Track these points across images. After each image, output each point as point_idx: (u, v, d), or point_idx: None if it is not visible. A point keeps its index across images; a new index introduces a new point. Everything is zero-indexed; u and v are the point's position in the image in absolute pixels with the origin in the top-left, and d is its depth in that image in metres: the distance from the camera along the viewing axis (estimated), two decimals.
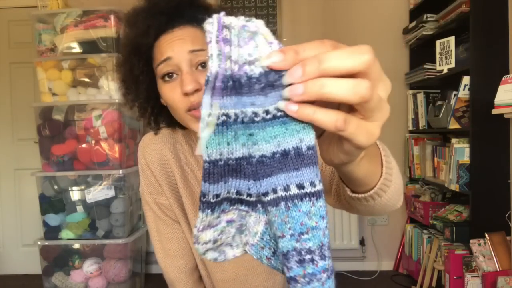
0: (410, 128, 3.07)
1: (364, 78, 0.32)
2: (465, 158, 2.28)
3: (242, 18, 0.33)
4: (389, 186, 0.52)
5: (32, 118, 2.85)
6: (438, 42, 2.48)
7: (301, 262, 0.34)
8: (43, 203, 2.73)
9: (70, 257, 2.73)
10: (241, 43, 0.33)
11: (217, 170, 0.35)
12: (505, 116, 1.94)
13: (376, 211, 0.57)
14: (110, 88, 2.62)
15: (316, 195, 0.34)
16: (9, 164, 3.39)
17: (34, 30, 2.74)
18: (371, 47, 0.32)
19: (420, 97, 2.93)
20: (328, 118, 0.32)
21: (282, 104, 0.33)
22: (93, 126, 2.62)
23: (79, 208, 2.70)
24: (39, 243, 2.72)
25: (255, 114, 0.33)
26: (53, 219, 2.72)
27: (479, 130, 2.22)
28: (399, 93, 3.11)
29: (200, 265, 0.98)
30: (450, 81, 2.53)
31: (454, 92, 2.39)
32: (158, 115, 0.89)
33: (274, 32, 3.17)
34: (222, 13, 0.32)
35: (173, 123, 0.90)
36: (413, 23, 2.86)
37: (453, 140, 2.37)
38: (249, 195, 0.38)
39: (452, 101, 2.41)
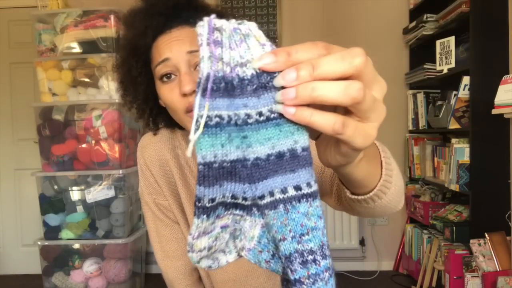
0: (410, 128, 3.07)
1: (357, 80, 0.32)
2: (465, 158, 2.28)
3: (233, 21, 0.33)
4: (389, 188, 0.51)
5: (32, 118, 2.85)
6: (438, 42, 2.48)
7: (304, 263, 0.34)
8: (43, 203, 2.73)
9: (70, 257, 2.73)
10: (233, 45, 0.33)
11: (212, 173, 0.35)
12: (505, 116, 1.94)
13: (377, 213, 0.57)
14: (110, 88, 2.62)
15: (312, 195, 0.34)
16: (9, 164, 3.40)
17: (34, 30, 2.74)
18: (363, 49, 0.32)
19: (420, 97, 2.93)
20: (326, 121, 0.32)
21: (279, 107, 0.33)
22: (93, 126, 2.62)
23: (79, 208, 2.70)
24: (39, 243, 2.72)
25: (248, 116, 0.33)
26: (53, 219, 2.72)
27: (479, 130, 2.22)
28: (399, 93, 3.11)
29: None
30: (450, 81, 2.53)
31: (454, 92, 2.39)
32: (157, 116, 0.89)
33: (273, 32, 3.18)
34: (213, 16, 0.33)
35: (172, 124, 0.90)
36: (413, 23, 2.86)
37: (453, 140, 2.37)
38: (245, 198, 0.38)
39: (452, 101, 2.41)
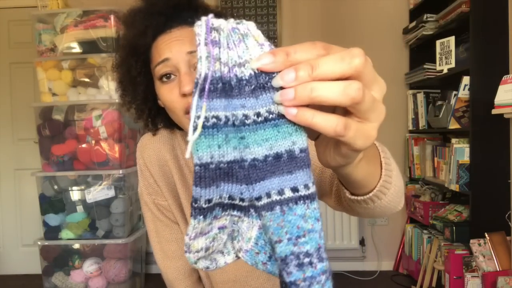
0: (410, 128, 3.06)
1: (356, 80, 0.32)
2: (465, 158, 2.28)
3: (232, 20, 0.33)
4: (389, 188, 0.51)
5: (32, 118, 2.85)
6: (438, 42, 2.48)
7: (300, 266, 0.33)
8: (43, 203, 2.73)
9: (70, 257, 2.73)
10: (231, 45, 0.32)
11: (208, 174, 0.34)
12: (505, 116, 1.94)
13: (376, 213, 0.56)
14: (110, 88, 2.62)
15: (310, 197, 0.34)
16: (9, 164, 3.40)
17: (34, 30, 2.74)
18: (362, 50, 0.32)
19: (420, 97, 2.93)
20: (328, 123, 0.32)
21: (281, 108, 0.32)
22: (93, 126, 2.62)
23: (79, 208, 2.70)
24: (39, 243, 2.72)
25: (246, 116, 0.33)
26: (53, 219, 2.72)
27: (479, 130, 2.22)
28: (399, 93, 3.11)
29: None
30: (450, 81, 2.53)
31: (454, 92, 2.39)
32: (156, 117, 0.89)
33: (273, 32, 3.18)
34: (211, 15, 0.32)
35: (171, 125, 0.89)
36: (413, 23, 2.86)
37: (453, 140, 2.37)
38: (242, 199, 0.37)
39: (452, 101, 2.41)
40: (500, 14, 2.22)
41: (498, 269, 2.06)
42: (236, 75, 0.32)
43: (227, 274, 0.94)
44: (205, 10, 0.83)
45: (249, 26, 0.33)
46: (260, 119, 0.33)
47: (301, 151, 0.33)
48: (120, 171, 2.61)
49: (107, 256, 2.71)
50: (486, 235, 2.11)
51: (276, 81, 0.32)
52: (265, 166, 0.34)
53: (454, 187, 2.33)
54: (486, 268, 2.09)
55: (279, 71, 0.32)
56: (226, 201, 0.37)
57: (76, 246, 2.72)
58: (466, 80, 2.26)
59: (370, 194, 0.51)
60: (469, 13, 2.24)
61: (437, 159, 2.71)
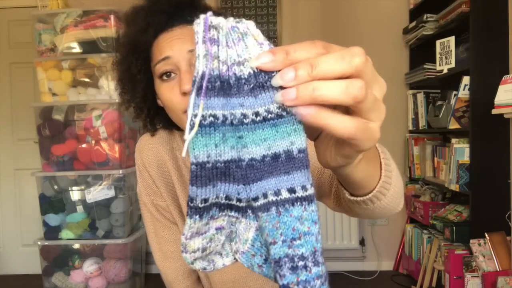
0: (410, 128, 3.06)
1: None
2: (465, 158, 2.28)
3: (231, 19, 0.32)
4: (389, 189, 0.51)
5: (32, 118, 2.85)
6: (438, 42, 2.48)
7: (294, 269, 0.33)
8: (43, 203, 2.73)
9: (70, 257, 2.73)
10: (230, 43, 0.32)
11: (204, 173, 0.34)
12: (505, 116, 1.94)
13: (376, 214, 0.56)
14: (110, 88, 2.62)
15: (307, 199, 0.33)
16: (9, 164, 3.40)
17: (34, 30, 2.74)
18: (362, 49, 0.31)
19: (420, 97, 2.93)
20: (342, 124, 0.31)
21: (297, 108, 0.32)
22: (93, 126, 2.62)
23: (79, 208, 2.70)
24: (39, 243, 2.72)
25: (244, 116, 0.32)
26: (53, 219, 2.72)
27: (479, 130, 2.22)
28: (399, 93, 3.11)
29: None
30: (450, 81, 2.53)
31: (454, 92, 2.39)
32: (155, 117, 0.88)
33: (273, 32, 3.18)
34: (209, 13, 0.32)
35: (170, 125, 0.89)
36: (413, 23, 2.86)
37: (453, 140, 2.37)
38: (239, 200, 0.37)
39: (452, 101, 2.41)
40: (500, 14, 2.22)
41: (498, 269, 2.06)
42: (235, 74, 0.32)
43: (226, 275, 0.94)
44: (207, 10, 0.83)
45: (248, 25, 0.32)
46: (258, 118, 0.32)
47: (300, 151, 0.33)
48: (120, 171, 2.61)
49: (107, 256, 2.71)
50: (486, 235, 2.11)
51: (276, 80, 0.31)
52: (263, 166, 0.33)
53: (454, 187, 2.33)
54: (486, 268, 2.09)
55: (279, 70, 0.32)
56: (223, 201, 0.37)
57: (76, 246, 2.72)
58: (466, 80, 2.26)
59: (370, 195, 0.50)
60: (469, 13, 2.24)
61: (437, 159, 2.71)
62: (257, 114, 0.32)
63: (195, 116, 0.32)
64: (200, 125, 0.32)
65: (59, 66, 2.67)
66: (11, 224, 3.41)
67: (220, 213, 0.38)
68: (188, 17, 0.79)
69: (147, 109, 0.86)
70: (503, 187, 2.18)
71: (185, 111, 0.76)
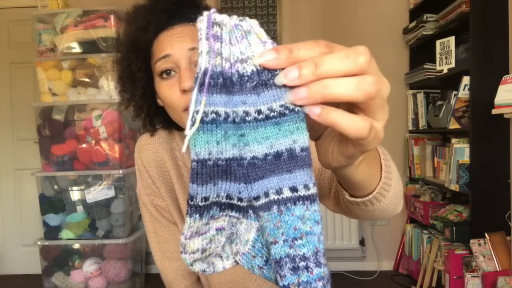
0: (410, 128, 3.06)
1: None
2: (465, 158, 2.28)
3: (235, 17, 0.32)
4: (389, 191, 0.51)
5: (32, 118, 2.85)
6: (438, 42, 2.48)
7: (295, 269, 0.32)
8: (43, 203, 2.73)
9: (70, 257, 2.73)
10: (233, 41, 0.32)
11: (205, 171, 0.33)
12: (505, 116, 1.94)
13: (375, 216, 0.56)
14: (110, 88, 2.62)
15: (310, 198, 0.33)
16: (9, 164, 3.39)
17: (34, 30, 2.74)
18: (367, 48, 0.31)
19: (420, 97, 2.93)
20: (354, 124, 0.31)
21: (308, 108, 0.31)
22: (93, 126, 2.62)
23: (79, 208, 2.70)
24: (39, 243, 2.72)
25: (246, 113, 0.32)
26: (53, 219, 2.72)
27: (479, 130, 2.22)
28: (399, 93, 3.11)
29: None
30: (450, 81, 2.53)
31: (454, 92, 2.39)
32: (154, 117, 0.88)
33: (273, 32, 3.17)
34: (213, 10, 0.32)
35: (170, 125, 0.89)
36: (413, 23, 2.86)
37: (453, 140, 2.37)
38: (240, 199, 0.36)
39: (452, 101, 2.41)
40: (500, 14, 2.22)
41: (498, 269, 2.06)
42: (237, 71, 0.32)
43: (225, 275, 0.93)
44: (207, 9, 0.83)
45: (252, 24, 0.32)
46: (261, 116, 0.32)
47: (302, 150, 0.33)
48: (120, 171, 2.61)
49: (107, 256, 2.71)
50: (486, 235, 2.11)
51: (279, 79, 0.31)
52: (265, 164, 0.33)
53: (454, 187, 2.33)
54: (486, 268, 2.09)
55: (282, 69, 0.31)
56: (224, 200, 0.36)
57: (76, 246, 2.72)
58: (466, 80, 2.26)
59: (370, 196, 0.50)
60: (469, 13, 2.24)
61: (437, 159, 2.71)
62: (259, 112, 0.32)
63: (197, 112, 0.32)
64: (202, 121, 0.32)
65: (59, 66, 2.67)
66: (11, 224, 3.41)
67: (221, 213, 0.37)
68: (188, 15, 0.79)
69: (146, 109, 0.86)
70: (503, 187, 2.18)
71: (185, 109, 0.76)
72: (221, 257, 0.40)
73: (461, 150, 2.30)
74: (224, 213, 0.37)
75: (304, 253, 0.32)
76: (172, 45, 0.76)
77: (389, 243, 3.20)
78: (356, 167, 0.43)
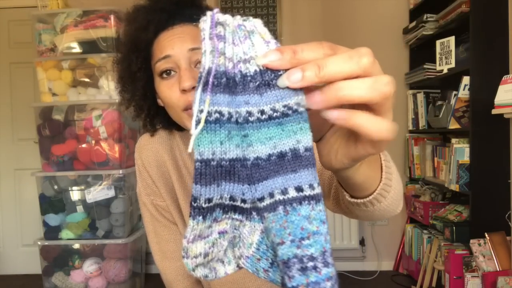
0: (410, 128, 3.06)
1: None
2: (465, 158, 2.28)
3: (238, 17, 0.32)
4: (389, 192, 0.51)
5: (32, 118, 2.85)
6: (438, 42, 2.48)
7: (303, 270, 0.32)
8: (43, 203, 2.73)
9: (70, 257, 2.72)
10: (236, 41, 0.32)
11: (209, 171, 0.33)
12: (505, 116, 1.94)
13: (375, 216, 0.56)
14: (110, 88, 2.62)
15: (315, 198, 0.32)
16: (9, 164, 3.39)
17: (34, 30, 2.74)
18: (370, 50, 0.31)
19: (420, 97, 2.93)
20: (378, 127, 0.31)
21: (328, 113, 0.31)
22: (93, 126, 2.62)
23: (79, 208, 2.70)
24: (39, 243, 2.72)
25: (249, 113, 0.32)
26: (53, 219, 2.72)
27: (479, 130, 2.22)
28: (399, 93, 3.11)
29: None
30: (450, 81, 2.53)
31: (454, 92, 2.39)
32: (155, 117, 0.89)
33: (274, 32, 3.17)
34: (216, 10, 0.32)
35: (170, 125, 0.89)
36: (413, 23, 2.86)
37: (453, 140, 2.37)
38: (243, 200, 0.36)
39: (452, 101, 2.41)
40: (500, 14, 2.22)
41: (498, 269, 2.06)
42: (240, 71, 0.32)
43: None
44: (207, 9, 0.83)
45: (255, 23, 0.32)
46: (264, 117, 0.32)
47: (306, 150, 0.32)
48: (120, 171, 2.61)
49: (107, 256, 2.71)
50: (486, 235, 2.11)
51: (282, 81, 0.31)
52: (269, 165, 0.33)
53: (454, 187, 2.33)
54: (486, 268, 2.09)
55: (285, 69, 0.31)
56: (227, 201, 0.36)
57: (76, 246, 2.72)
58: (466, 80, 2.26)
59: (370, 197, 0.50)
60: (469, 13, 2.24)
61: (437, 159, 2.71)
62: (262, 112, 0.32)
63: (201, 111, 0.32)
64: (206, 121, 0.32)
65: (59, 66, 2.67)
66: (11, 224, 3.41)
67: (224, 216, 0.36)
68: (188, 15, 0.80)
69: (147, 109, 0.86)
70: (503, 187, 2.18)
71: (184, 109, 0.76)
72: (222, 262, 0.39)
73: (461, 150, 2.30)
74: (227, 216, 0.37)
75: (312, 253, 0.32)
76: (172, 46, 0.77)
77: (389, 243, 3.20)
78: (357, 169, 0.42)
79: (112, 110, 2.62)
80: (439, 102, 2.63)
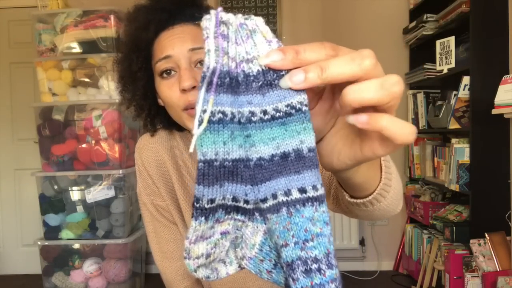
0: None
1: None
2: (465, 158, 2.28)
3: (240, 15, 0.32)
4: (389, 192, 0.51)
5: (32, 118, 2.85)
6: (438, 42, 2.48)
7: (307, 272, 0.31)
8: (43, 203, 2.73)
9: (70, 257, 2.72)
10: (239, 40, 0.32)
11: (212, 172, 0.33)
12: (505, 116, 1.94)
13: (375, 216, 0.56)
14: (110, 88, 2.62)
15: (318, 199, 0.32)
16: (9, 164, 3.39)
17: (34, 30, 2.74)
18: (372, 51, 0.31)
19: (420, 97, 2.93)
20: (403, 130, 0.31)
21: (351, 118, 0.31)
22: (93, 126, 2.62)
23: (79, 208, 2.70)
24: (39, 243, 2.72)
25: (252, 113, 0.32)
26: (53, 219, 2.72)
27: (479, 130, 2.22)
28: None
29: None
30: (450, 81, 2.53)
31: (454, 92, 2.39)
32: (155, 117, 0.89)
33: (274, 32, 3.17)
34: (220, 9, 0.32)
35: (170, 125, 0.89)
36: (413, 23, 2.86)
37: (453, 140, 2.37)
38: (246, 201, 0.36)
39: (452, 101, 2.41)
40: (500, 14, 2.22)
41: (498, 269, 2.06)
42: (243, 71, 0.32)
43: None
44: (208, 9, 0.83)
45: (257, 22, 0.32)
46: (266, 117, 0.32)
47: (309, 150, 0.32)
48: (120, 171, 2.61)
49: (107, 256, 2.71)
50: (486, 235, 2.11)
51: (285, 82, 0.31)
52: (272, 165, 0.32)
53: (454, 187, 2.33)
54: (486, 268, 2.09)
55: (287, 70, 0.31)
56: (230, 202, 0.35)
57: (76, 246, 2.72)
58: (466, 80, 2.26)
59: (370, 197, 0.50)
60: (469, 13, 2.24)
61: (437, 159, 2.71)
62: (265, 112, 0.32)
63: (204, 111, 0.31)
64: (209, 121, 0.32)
65: (59, 66, 2.67)
66: (11, 224, 3.41)
67: (226, 216, 0.36)
68: (189, 15, 0.80)
69: (147, 108, 0.87)
70: (503, 187, 2.18)
71: (184, 109, 0.76)
72: (224, 262, 0.39)
73: (461, 150, 2.30)
74: (229, 216, 0.36)
75: (316, 255, 0.31)
76: (172, 46, 0.77)
77: (389, 243, 3.20)
78: (357, 169, 0.42)
79: (112, 110, 2.62)
80: (439, 102, 2.63)
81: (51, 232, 2.72)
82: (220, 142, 0.33)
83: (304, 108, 0.32)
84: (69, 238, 2.70)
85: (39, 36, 2.70)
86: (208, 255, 0.37)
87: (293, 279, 0.32)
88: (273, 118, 0.32)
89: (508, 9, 2.21)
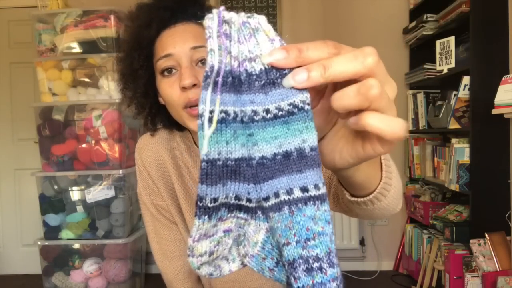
0: (410, 128, 3.06)
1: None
2: (465, 158, 2.28)
3: (243, 14, 0.32)
4: (389, 190, 0.51)
5: (32, 118, 2.84)
6: (438, 42, 2.48)
7: (309, 270, 0.32)
8: (43, 203, 2.73)
9: (70, 257, 2.72)
10: (241, 39, 0.32)
11: (215, 171, 0.33)
12: (505, 116, 1.94)
13: (375, 215, 0.56)
14: (110, 88, 2.62)
15: (320, 198, 0.32)
16: (9, 164, 3.39)
17: (34, 30, 2.74)
18: (375, 49, 0.31)
19: (420, 97, 2.93)
20: (391, 126, 0.31)
21: (352, 120, 0.32)
22: (93, 126, 2.62)
23: (79, 208, 2.70)
24: (39, 243, 2.72)
25: (255, 112, 0.32)
26: (53, 219, 2.72)
27: (479, 130, 2.22)
28: (399, 93, 3.10)
29: None
30: (450, 81, 2.53)
31: (454, 92, 2.39)
32: (156, 116, 0.89)
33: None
34: (222, 8, 0.32)
35: (171, 124, 0.89)
36: (413, 23, 2.86)
37: (453, 140, 2.37)
38: (249, 200, 0.36)
39: (452, 101, 2.41)
40: (500, 14, 2.22)
41: (498, 269, 2.06)
42: (246, 70, 0.31)
43: None
44: (209, 9, 0.83)
45: (260, 20, 0.32)
46: (269, 116, 0.32)
47: (312, 149, 0.32)
48: (120, 171, 2.61)
49: (107, 256, 2.71)
50: (486, 235, 2.11)
51: (287, 81, 0.31)
52: (274, 164, 0.33)
53: (454, 187, 2.33)
54: (486, 268, 2.09)
55: (290, 68, 0.31)
56: (233, 201, 0.36)
57: (76, 246, 2.72)
58: (466, 80, 2.26)
59: (370, 196, 0.50)
60: (469, 13, 2.24)
61: (437, 159, 2.71)
62: (267, 111, 0.32)
63: (211, 112, 0.31)
64: (212, 121, 0.32)
65: (59, 66, 2.67)
66: (11, 224, 3.41)
67: (229, 214, 0.36)
68: (191, 14, 0.80)
69: (148, 107, 0.87)
70: (503, 187, 2.18)
71: (185, 106, 0.76)
72: (227, 259, 0.39)
73: (461, 150, 2.30)
74: (232, 215, 0.37)
75: (317, 254, 0.32)
76: (174, 44, 0.77)
77: (389, 243, 3.20)
78: (358, 168, 0.43)
79: (112, 110, 2.62)
80: (439, 102, 2.63)
81: (51, 232, 2.72)
82: (223, 142, 0.33)
83: (306, 107, 0.32)
84: (69, 238, 2.70)
85: (39, 36, 2.70)
86: (211, 253, 0.37)
87: (295, 278, 0.32)
88: (275, 117, 0.32)
89: (508, 9, 2.21)
